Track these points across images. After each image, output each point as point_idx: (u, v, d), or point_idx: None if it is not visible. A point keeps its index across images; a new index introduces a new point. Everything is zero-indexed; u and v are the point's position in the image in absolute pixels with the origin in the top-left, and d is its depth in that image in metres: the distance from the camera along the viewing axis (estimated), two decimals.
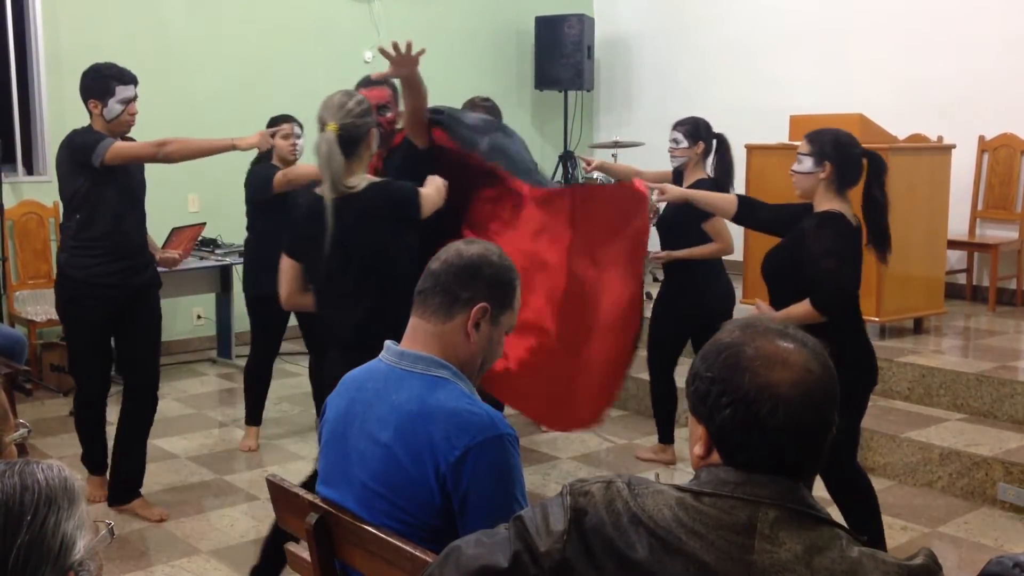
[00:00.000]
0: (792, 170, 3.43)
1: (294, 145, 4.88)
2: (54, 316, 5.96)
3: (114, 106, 4.01)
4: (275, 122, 4.92)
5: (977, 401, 4.94)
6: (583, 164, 5.08)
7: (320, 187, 3.10)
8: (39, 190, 6.32)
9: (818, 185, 3.36)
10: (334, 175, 3.02)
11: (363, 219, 3.06)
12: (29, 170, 6.46)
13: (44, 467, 1.25)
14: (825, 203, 3.38)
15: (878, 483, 4.50)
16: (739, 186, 6.12)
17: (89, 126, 4.07)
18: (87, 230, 4.05)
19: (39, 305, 6.10)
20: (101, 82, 4.01)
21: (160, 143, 4.02)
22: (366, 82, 3.89)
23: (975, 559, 3.69)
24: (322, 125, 3.05)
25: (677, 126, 4.71)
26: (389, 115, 4.04)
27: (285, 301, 3.36)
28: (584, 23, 8.27)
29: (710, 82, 8.08)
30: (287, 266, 3.28)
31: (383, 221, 3.10)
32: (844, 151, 3.35)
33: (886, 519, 4.15)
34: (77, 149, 4.02)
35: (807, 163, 3.37)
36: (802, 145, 3.42)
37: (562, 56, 8.30)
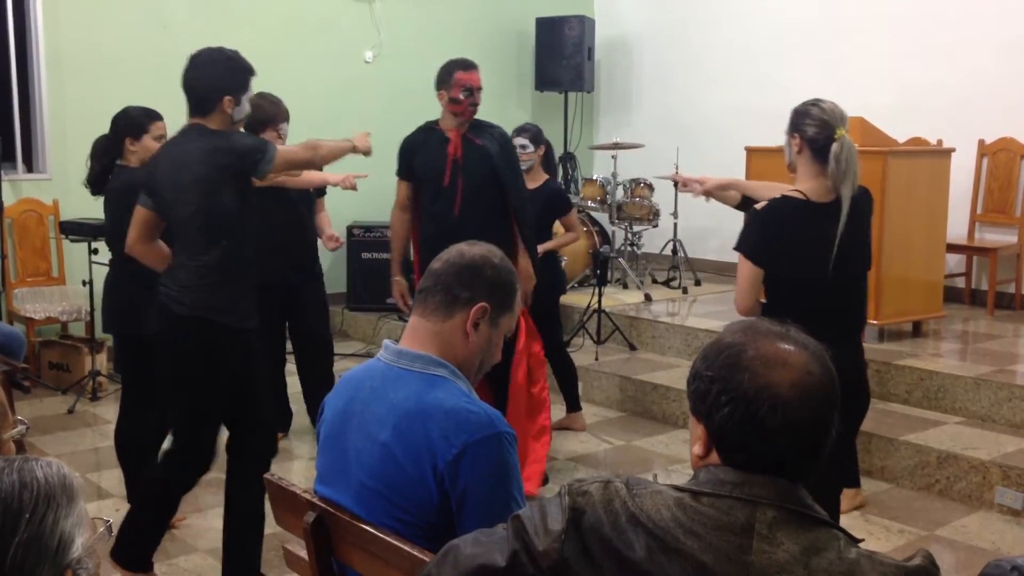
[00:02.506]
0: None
1: None
2: (52, 314, 5.98)
3: (246, 104, 3.24)
4: (148, 116, 3.88)
5: (975, 405, 4.94)
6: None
7: (795, 188, 3.18)
8: (39, 188, 6.32)
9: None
10: (858, 176, 3.16)
11: (862, 217, 3.24)
12: (29, 168, 6.46)
13: (43, 464, 1.25)
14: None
15: (876, 485, 4.53)
16: None
17: (200, 126, 3.19)
18: (231, 259, 3.18)
19: (38, 303, 6.09)
20: (240, 75, 3.24)
21: (314, 145, 3.37)
22: (465, 65, 4.27)
23: (973, 562, 3.69)
24: (832, 132, 3.14)
25: (521, 133, 5.09)
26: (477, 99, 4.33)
27: (746, 310, 3.24)
28: (585, 24, 8.27)
29: (710, 84, 8.09)
30: (752, 274, 3.20)
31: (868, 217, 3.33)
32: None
33: (884, 522, 4.17)
34: (245, 154, 3.13)
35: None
36: None
37: (563, 57, 8.30)
